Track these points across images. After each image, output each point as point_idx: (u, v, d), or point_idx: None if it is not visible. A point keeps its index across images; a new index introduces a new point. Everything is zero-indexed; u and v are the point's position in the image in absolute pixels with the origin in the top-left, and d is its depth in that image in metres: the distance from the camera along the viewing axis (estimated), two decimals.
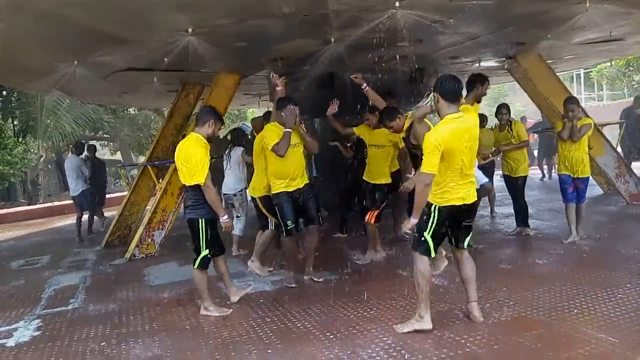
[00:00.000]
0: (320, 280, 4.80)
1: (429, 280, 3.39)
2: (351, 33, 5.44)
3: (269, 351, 3.32)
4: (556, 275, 4.45)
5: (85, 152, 9.50)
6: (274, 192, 4.61)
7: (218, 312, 4.09)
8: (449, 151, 3.22)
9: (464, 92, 3.72)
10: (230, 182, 6.11)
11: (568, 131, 5.43)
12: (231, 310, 4.14)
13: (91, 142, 17.76)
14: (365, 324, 3.63)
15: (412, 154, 4.66)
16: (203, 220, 3.96)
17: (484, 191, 5.45)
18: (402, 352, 3.11)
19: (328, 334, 3.51)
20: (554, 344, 3.07)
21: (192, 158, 3.87)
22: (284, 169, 4.53)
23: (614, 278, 4.23)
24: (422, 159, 3.31)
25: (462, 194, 3.32)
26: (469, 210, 3.43)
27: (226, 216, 3.99)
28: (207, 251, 4.01)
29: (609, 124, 9.15)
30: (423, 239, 3.35)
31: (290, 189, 4.55)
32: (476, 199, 3.45)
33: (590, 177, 5.74)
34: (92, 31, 4.81)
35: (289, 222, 4.55)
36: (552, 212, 7.43)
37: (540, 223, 6.71)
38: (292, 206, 4.57)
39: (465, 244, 3.50)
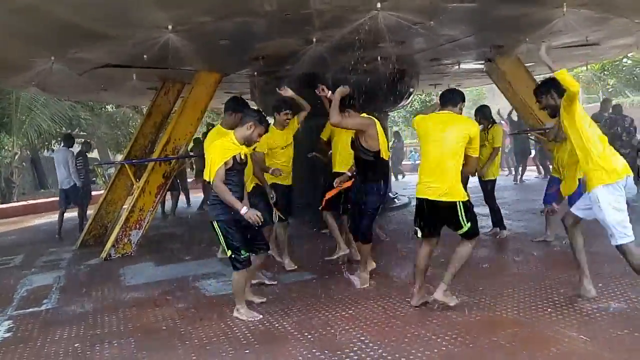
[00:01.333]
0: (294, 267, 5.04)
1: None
2: (333, 33, 5.46)
3: (247, 351, 3.30)
4: (530, 275, 4.53)
5: (80, 148, 9.43)
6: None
7: (249, 316, 3.88)
8: None
9: None
10: None
11: (554, 132, 5.48)
12: (260, 316, 3.90)
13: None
14: (343, 324, 3.63)
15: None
16: (216, 222, 3.78)
17: None
18: (380, 351, 3.12)
19: (306, 333, 3.50)
20: (528, 343, 3.12)
21: (210, 158, 3.73)
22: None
23: None
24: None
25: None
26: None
27: (245, 208, 3.70)
28: (229, 252, 3.77)
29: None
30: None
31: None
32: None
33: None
34: (71, 27, 4.74)
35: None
36: (527, 213, 7.55)
37: (516, 224, 6.81)
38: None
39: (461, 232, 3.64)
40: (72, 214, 8.96)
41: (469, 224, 3.57)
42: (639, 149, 8.79)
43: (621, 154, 9.49)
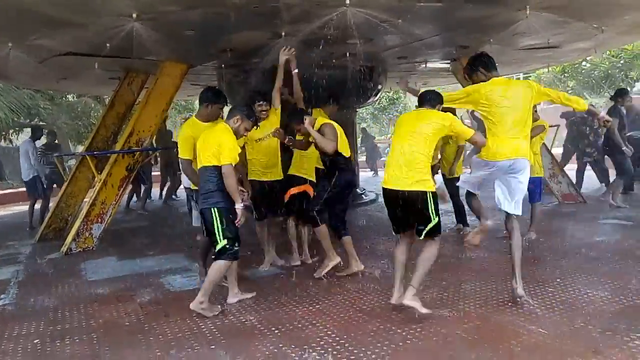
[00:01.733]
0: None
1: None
2: (302, 28, 5.44)
3: (212, 347, 3.28)
4: (491, 270, 4.66)
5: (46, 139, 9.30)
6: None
7: (209, 312, 3.81)
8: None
9: None
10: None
11: None
12: (220, 308, 3.90)
13: (25, 130, 16.88)
14: (310, 318, 3.65)
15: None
16: (216, 209, 3.72)
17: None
18: (346, 344, 3.16)
19: (273, 328, 3.50)
20: (490, 336, 3.21)
21: (223, 141, 3.72)
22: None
23: (545, 273, 4.47)
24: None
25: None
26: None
27: (241, 204, 3.74)
28: (224, 242, 3.72)
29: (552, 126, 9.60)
30: None
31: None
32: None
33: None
34: (30, 12, 4.55)
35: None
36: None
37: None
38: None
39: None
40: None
41: (437, 218, 3.55)
42: (604, 149, 9.14)
43: (586, 153, 9.81)
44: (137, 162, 7.02)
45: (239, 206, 3.72)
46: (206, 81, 9.61)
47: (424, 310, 3.48)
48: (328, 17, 4.95)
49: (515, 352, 2.97)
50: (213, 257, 3.87)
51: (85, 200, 7.60)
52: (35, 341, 3.53)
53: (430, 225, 3.54)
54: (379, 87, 9.13)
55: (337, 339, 3.26)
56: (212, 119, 4.28)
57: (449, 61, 8.55)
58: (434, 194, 3.56)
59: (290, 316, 3.73)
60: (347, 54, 7.03)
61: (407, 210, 3.59)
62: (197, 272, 4.81)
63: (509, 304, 3.74)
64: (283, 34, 5.66)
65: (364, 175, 13.72)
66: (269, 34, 5.76)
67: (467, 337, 3.21)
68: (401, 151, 3.58)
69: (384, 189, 3.67)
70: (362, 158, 14.97)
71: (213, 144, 3.74)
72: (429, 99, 3.80)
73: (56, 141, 10.10)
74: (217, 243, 3.76)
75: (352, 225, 7.12)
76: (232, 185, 3.70)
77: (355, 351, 3.07)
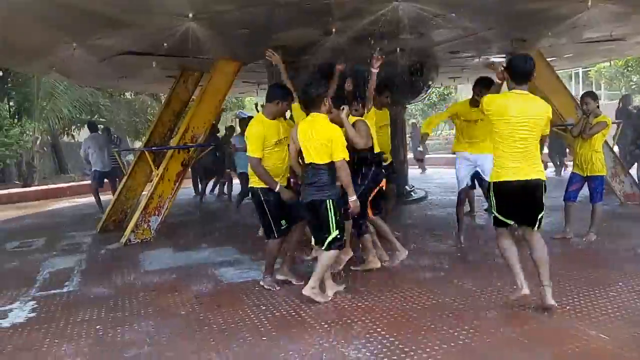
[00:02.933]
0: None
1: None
2: (352, 24, 5.43)
3: (264, 339, 3.34)
4: (550, 272, 4.48)
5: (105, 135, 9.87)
6: None
7: (321, 298, 3.94)
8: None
9: None
10: None
11: (579, 128, 5.40)
12: (328, 299, 3.98)
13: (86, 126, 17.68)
14: (360, 314, 3.66)
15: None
16: (332, 201, 3.85)
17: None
18: (396, 342, 3.14)
19: (322, 322, 3.53)
20: (547, 339, 3.11)
21: (333, 136, 3.81)
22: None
23: (606, 276, 4.27)
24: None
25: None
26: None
27: (355, 197, 3.91)
28: (336, 232, 3.84)
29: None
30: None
31: None
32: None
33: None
34: (92, 13, 4.78)
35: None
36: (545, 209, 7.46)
37: None
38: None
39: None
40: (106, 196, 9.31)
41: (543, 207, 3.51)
42: None
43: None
44: (191, 157, 7.24)
45: (353, 198, 3.87)
46: (256, 79, 9.79)
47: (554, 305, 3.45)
48: (379, 12, 4.92)
49: (572, 357, 2.87)
50: (320, 247, 3.92)
51: (143, 193, 7.92)
52: (97, 327, 3.72)
53: (542, 213, 3.51)
54: (430, 83, 8.98)
55: (387, 336, 3.26)
56: (280, 116, 4.31)
57: (504, 55, 8.30)
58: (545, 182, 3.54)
59: (340, 311, 3.75)
60: (397, 50, 6.96)
61: (528, 201, 3.50)
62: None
63: (567, 307, 3.60)
64: (334, 30, 5.67)
65: (413, 172, 13.53)
66: (320, 30, 5.78)
67: (522, 340, 3.12)
68: (522, 141, 3.44)
69: (508, 182, 3.48)
70: (411, 154, 14.72)
71: (323, 140, 3.80)
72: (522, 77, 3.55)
73: (116, 135, 10.59)
74: (329, 234, 3.84)
75: (401, 222, 7.08)
76: (347, 178, 3.82)
77: (405, 349, 3.05)
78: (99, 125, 11.16)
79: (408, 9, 4.80)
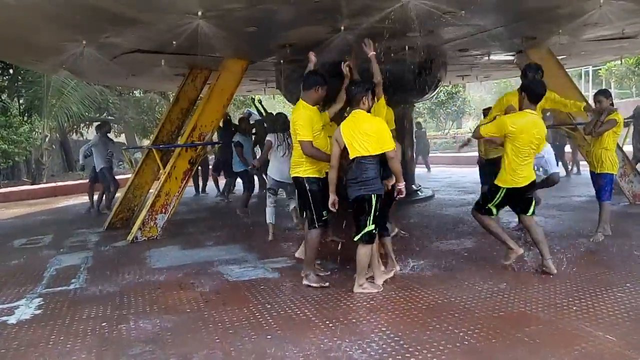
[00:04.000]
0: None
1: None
2: (361, 22, 5.41)
3: (268, 337, 3.34)
4: (557, 273, 4.45)
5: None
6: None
7: (373, 289, 4.10)
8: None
9: None
10: (287, 170, 5.05)
11: (590, 126, 5.35)
12: (381, 288, 4.15)
13: (94, 124, 17.81)
14: (365, 313, 3.65)
15: None
16: (375, 196, 3.94)
17: (549, 181, 5.48)
18: (401, 342, 3.12)
19: (327, 322, 3.52)
20: (553, 340, 3.08)
21: (379, 128, 3.91)
22: None
23: (614, 277, 4.23)
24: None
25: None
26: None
27: (403, 183, 4.05)
28: (372, 226, 3.97)
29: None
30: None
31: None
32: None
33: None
34: (102, 11, 4.80)
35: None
36: (552, 209, 7.41)
37: (543, 220, 6.68)
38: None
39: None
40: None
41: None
42: None
43: None
44: (199, 155, 7.25)
45: (401, 185, 4.02)
46: (264, 77, 9.79)
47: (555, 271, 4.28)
48: (389, 9, 4.89)
49: (579, 358, 2.83)
50: (355, 239, 4.03)
51: (150, 191, 7.95)
52: (103, 324, 3.74)
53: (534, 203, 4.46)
54: (438, 81, 8.92)
55: (392, 335, 3.24)
56: (319, 103, 4.35)
57: (513, 53, 8.24)
58: None
59: (345, 310, 3.74)
60: (406, 48, 6.93)
61: (525, 198, 4.41)
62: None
63: (574, 308, 3.56)
64: (342, 28, 5.65)
65: (419, 171, 13.48)
66: (329, 28, 5.76)
67: (528, 340, 3.09)
68: (534, 153, 4.33)
69: (515, 188, 4.33)
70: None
71: (371, 133, 3.88)
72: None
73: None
74: (365, 227, 3.95)
75: (408, 221, 7.05)
76: (398, 166, 3.99)
77: (410, 349, 3.03)
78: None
79: (418, 6, 4.77)
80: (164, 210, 6.84)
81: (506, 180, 4.34)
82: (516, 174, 4.28)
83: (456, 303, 3.76)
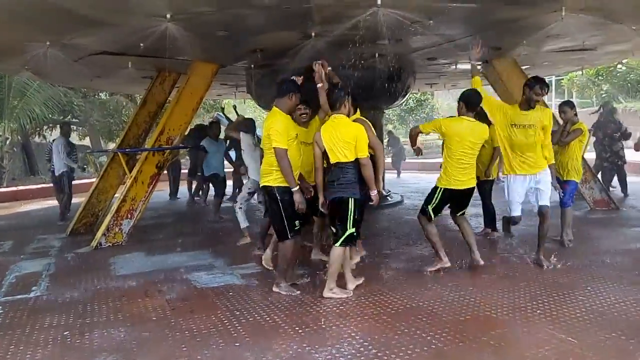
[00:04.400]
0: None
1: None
2: (332, 28, 5.44)
3: (237, 344, 3.30)
4: (520, 276, 4.56)
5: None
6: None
7: (342, 294, 4.12)
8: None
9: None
10: None
11: (557, 135, 5.51)
12: (351, 293, 4.17)
13: (58, 126, 17.32)
14: (334, 319, 3.65)
15: None
16: (354, 199, 4.01)
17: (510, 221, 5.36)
18: (369, 347, 3.13)
19: (297, 328, 3.51)
20: (517, 343, 3.15)
21: (357, 135, 4.01)
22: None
23: (575, 280, 4.36)
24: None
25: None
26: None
27: (376, 191, 4.12)
28: (352, 229, 4.03)
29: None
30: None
31: None
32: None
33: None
34: (67, 12, 4.67)
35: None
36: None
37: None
38: None
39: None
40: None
41: None
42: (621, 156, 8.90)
43: (603, 158, 9.52)
44: (167, 160, 7.14)
45: (375, 192, 4.10)
46: (235, 81, 9.72)
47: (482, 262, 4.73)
48: (359, 17, 4.94)
49: None
50: (334, 243, 4.11)
51: (115, 196, 7.77)
52: (64, 333, 3.62)
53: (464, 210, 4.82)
54: (407, 88, 9.04)
55: (362, 341, 3.25)
56: (292, 110, 4.33)
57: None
58: None
59: (314, 316, 3.73)
60: (376, 55, 7.00)
61: (464, 201, 4.74)
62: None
63: (537, 311, 3.66)
64: (313, 34, 5.68)
65: (389, 177, 13.62)
66: (300, 34, 5.78)
67: (493, 343, 3.15)
68: (469, 157, 4.55)
69: (448, 189, 4.60)
70: (388, 160, 14.83)
71: (348, 139, 3.98)
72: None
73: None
74: (345, 231, 4.02)
75: (378, 227, 7.10)
76: (371, 173, 4.06)
77: (379, 354, 3.05)
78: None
79: (388, 15, 4.83)
80: (129, 216, 6.69)
81: (442, 181, 4.62)
82: (452, 175, 4.55)
83: (424, 307, 3.81)
